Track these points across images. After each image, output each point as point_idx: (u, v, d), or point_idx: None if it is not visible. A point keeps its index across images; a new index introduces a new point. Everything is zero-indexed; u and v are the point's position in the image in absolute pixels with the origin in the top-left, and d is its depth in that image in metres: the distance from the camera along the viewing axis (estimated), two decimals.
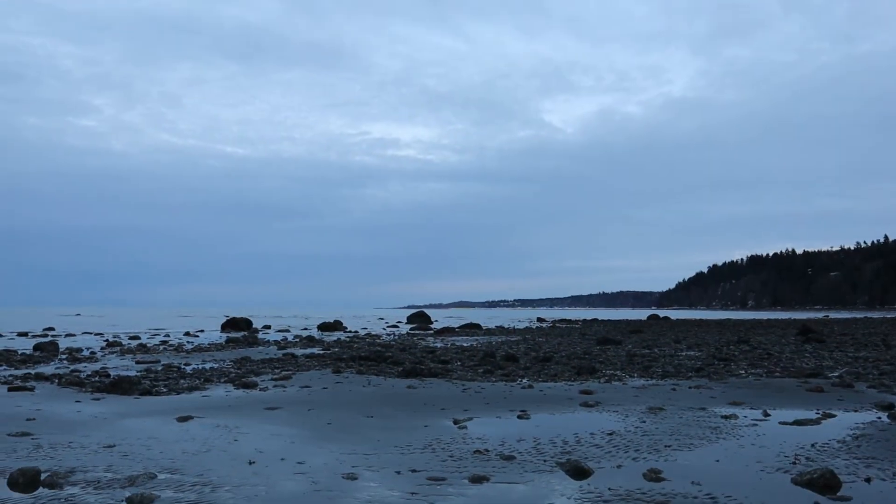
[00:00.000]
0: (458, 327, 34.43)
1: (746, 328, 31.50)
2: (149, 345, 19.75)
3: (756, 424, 6.49)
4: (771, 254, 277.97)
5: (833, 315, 74.71)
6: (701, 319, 53.60)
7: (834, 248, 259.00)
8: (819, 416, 6.90)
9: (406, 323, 44.56)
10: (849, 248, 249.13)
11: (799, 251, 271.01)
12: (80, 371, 11.69)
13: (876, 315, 69.92)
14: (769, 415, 7.00)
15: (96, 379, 10.38)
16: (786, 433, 6.05)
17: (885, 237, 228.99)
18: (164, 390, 9.19)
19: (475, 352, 16.40)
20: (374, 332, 30.02)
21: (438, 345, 20.31)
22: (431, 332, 31.40)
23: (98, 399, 8.34)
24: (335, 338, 24.62)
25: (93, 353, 16.38)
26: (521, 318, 64.40)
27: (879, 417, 6.81)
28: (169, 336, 25.40)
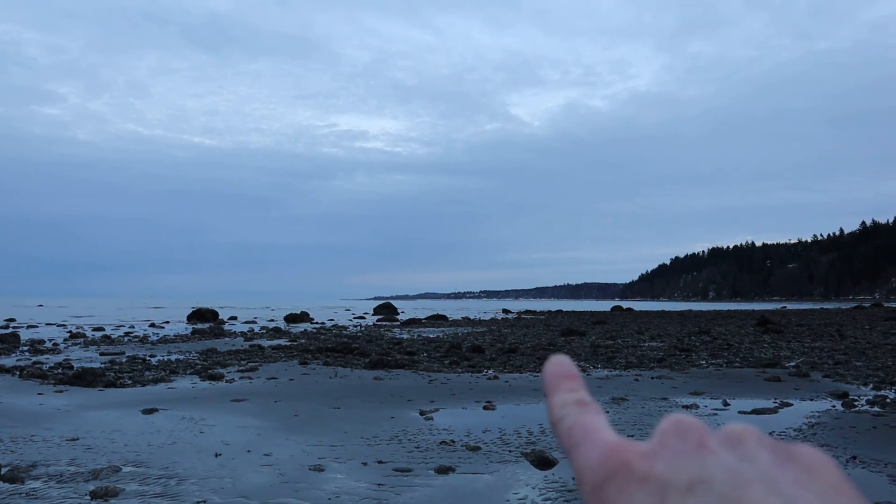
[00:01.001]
0: (424, 318, 34.51)
1: (707, 319, 32.11)
2: (113, 336, 19.45)
3: (716, 414, 6.66)
4: (731, 246, 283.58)
5: (790, 306, 76.41)
6: (663, 311, 54.44)
7: (792, 241, 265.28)
8: (776, 405, 7.11)
9: (373, 314, 44.49)
10: (806, 241, 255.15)
11: (758, 244, 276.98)
12: (42, 363, 11.48)
13: (831, 306, 71.72)
14: (729, 404, 7.18)
15: (59, 371, 10.22)
16: (745, 422, 6.21)
17: (841, 230, 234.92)
18: (129, 382, 9.09)
19: (441, 343, 16.48)
20: (340, 324, 29.93)
21: (405, 336, 20.35)
22: (398, 323, 31.42)
23: (61, 391, 8.22)
24: (302, 329, 24.50)
25: (56, 344, 16.09)
26: (487, 310, 64.72)
27: (834, 406, 7.04)
28: (134, 327, 25.02)
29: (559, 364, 0.44)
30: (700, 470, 0.33)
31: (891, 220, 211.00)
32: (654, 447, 0.35)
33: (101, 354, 13.36)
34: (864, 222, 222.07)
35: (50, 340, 17.31)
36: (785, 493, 0.32)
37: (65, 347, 15.27)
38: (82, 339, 17.99)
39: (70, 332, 21.47)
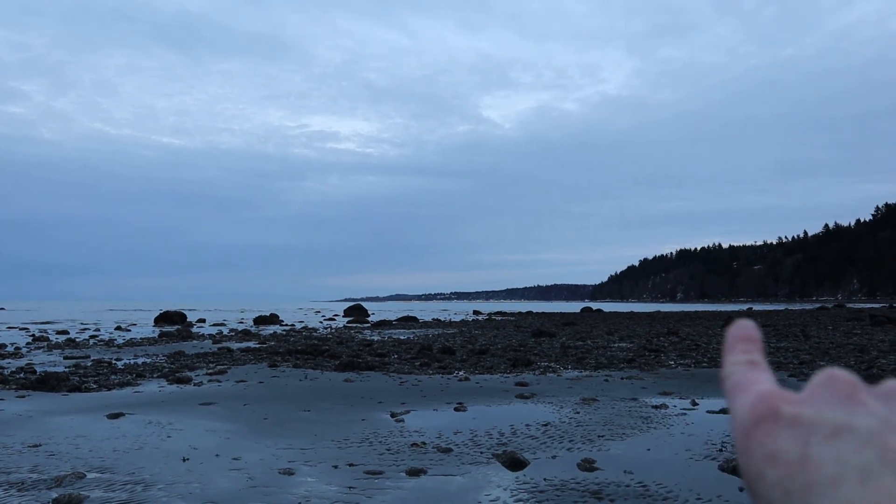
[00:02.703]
0: (395, 320, 34.41)
1: (675, 320, 32.47)
2: (78, 340, 19.07)
3: (685, 413, 6.73)
4: (699, 248, 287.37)
5: (756, 307, 77.58)
6: (632, 312, 54.92)
7: (758, 243, 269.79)
8: None
9: (343, 316, 44.24)
10: (771, 243, 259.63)
11: (725, 245, 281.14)
12: (3, 367, 11.21)
13: (796, 307, 73.02)
14: (697, 404, 7.27)
15: (21, 375, 9.98)
16: (713, 422, 6.29)
17: (805, 232, 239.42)
18: (94, 386, 8.92)
19: (412, 345, 16.44)
20: (310, 326, 29.71)
21: (375, 338, 20.27)
22: (368, 325, 31.27)
23: (23, 396, 8.04)
24: (271, 331, 24.26)
25: (17, 348, 15.72)
26: (458, 311, 64.75)
27: None
28: (99, 330, 24.56)
29: (741, 327, 0.45)
30: (846, 417, 0.34)
31: (853, 223, 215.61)
32: (805, 396, 0.37)
33: (66, 358, 13.09)
34: (827, 225, 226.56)
35: (12, 345, 16.90)
36: None
37: (27, 351, 14.94)
38: (45, 343, 17.61)
39: (33, 335, 21.03)
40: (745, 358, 0.42)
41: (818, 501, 0.33)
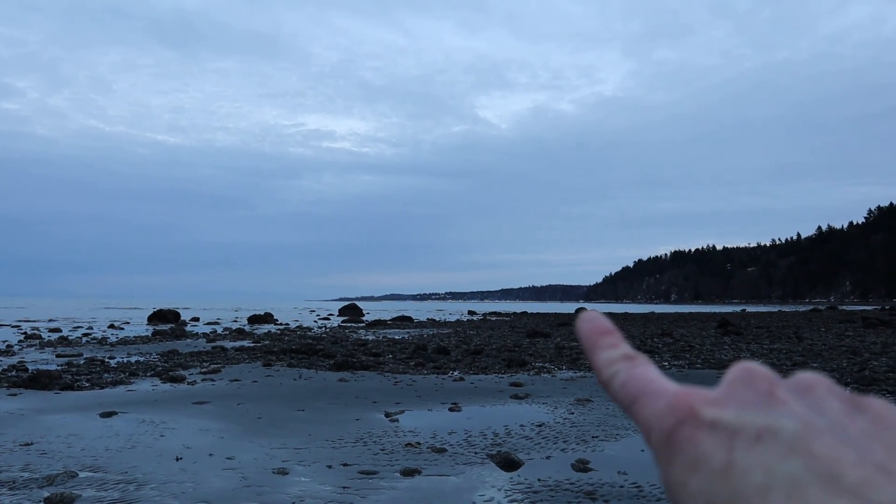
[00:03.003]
0: (389, 320, 34.38)
1: (669, 321, 32.53)
2: (70, 337, 19.00)
3: None
4: (693, 249, 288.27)
5: (750, 309, 77.83)
6: (626, 313, 54.99)
7: (751, 245, 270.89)
8: None
9: (337, 315, 44.19)
10: (765, 245, 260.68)
11: (719, 247, 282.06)
12: None
13: (789, 308, 73.27)
14: None
15: (13, 373, 9.94)
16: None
17: (798, 234, 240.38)
18: (87, 385, 8.88)
19: (407, 344, 16.43)
20: (305, 325, 29.66)
21: (370, 337, 20.25)
22: (363, 324, 31.23)
23: (15, 394, 8.00)
24: (265, 330, 24.22)
25: (9, 346, 15.65)
26: (453, 311, 64.75)
27: None
28: (92, 328, 24.47)
29: (592, 321, 0.41)
30: (769, 419, 0.33)
31: (845, 226, 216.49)
32: (723, 394, 0.34)
33: (58, 356, 13.04)
34: (820, 227, 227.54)
35: (3, 342, 16.83)
36: (854, 444, 0.32)
37: (19, 349, 14.87)
38: (38, 341, 17.55)
39: (25, 333, 20.92)
40: (618, 353, 0.39)
41: None
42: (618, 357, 0.38)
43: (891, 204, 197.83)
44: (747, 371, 0.35)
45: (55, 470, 4.45)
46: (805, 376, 0.35)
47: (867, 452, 0.32)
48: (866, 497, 0.32)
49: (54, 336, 19.64)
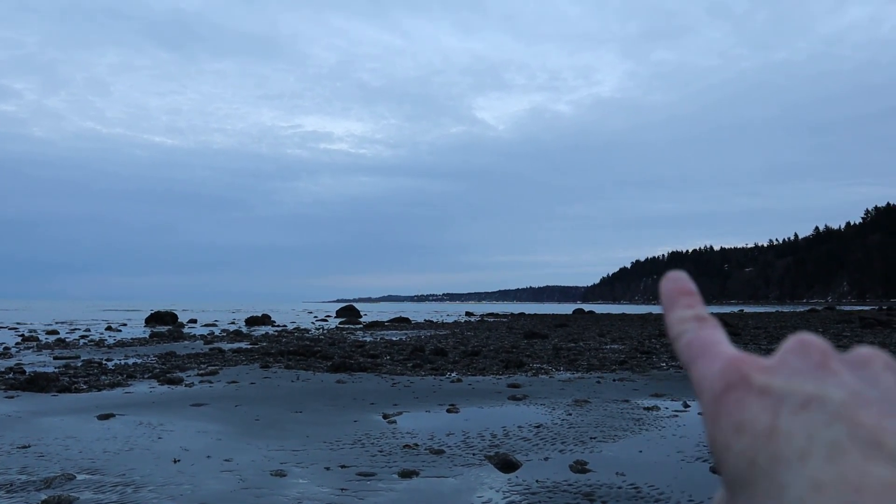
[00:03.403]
0: (387, 321, 34.37)
1: None
2: (68, 340, 18.96)
3: (677, 415, 6.75)
4: (691, 250, 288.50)
5: (747, 309, 77.90)
6: (624, 314, 55.00)
7: (749, 246, 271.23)
8: None
9: (335, 317, 44.17)
10: (762, 246, 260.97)
11: (717, 248, 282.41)
12: None
13: (786, 309, 73.33)
14: (689, 406, 7.29)
15: (10, 376, 9.92)
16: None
17: (796, 235, 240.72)
18: (84, 387, 8.87)
19: (404, 346, 16.42)
20: (302, 327, 29.65)
21: (368, 339, 20.24)
22: (360, 326, 31.22)
23: (12, 397, 7.98)
24: (263, 332, 24.20)
25: (6, 348, 15.62)
26: (450, 312, 64.73)
27: None
28: (89, 331, 24.41)
29: (676, 280, 0.42)
30: (817, 387, 0.33)
31: (842, 226, 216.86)
32: (775, 363, 0.34)
33: (55, 359, 13.02)
34: (817, 228, 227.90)
35: (1, 344, 16.80)
36: None
37: (16, 351, 14.84)
38: (35, 343, 17.51)
39: (22, 335, 20.88)
40: (691, 313, 0.39)
41: (784, 475, 0.32)
42: (690, 317, 0.39)
43: (888, 204, 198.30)
44: (802, 342, 0.35)
45: (53, 472, 4.45)
46: (863, 350, 0.36)
47: None
48: None
49: (51, 338, 19.60)
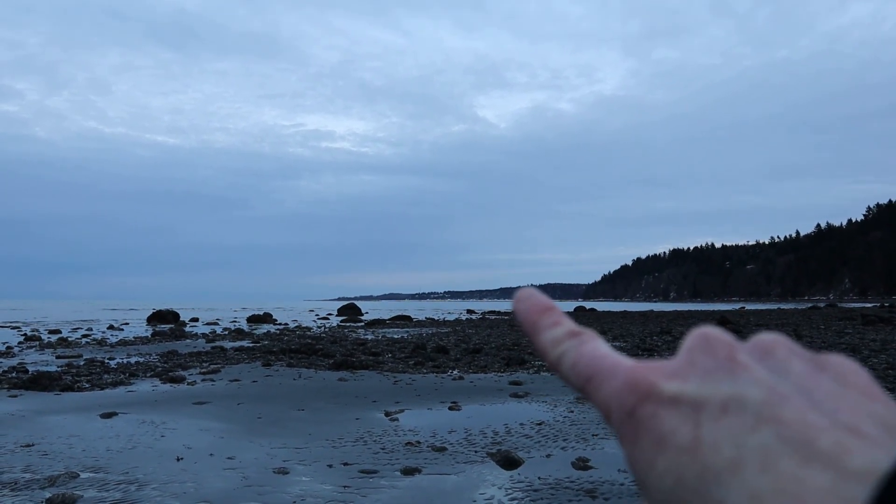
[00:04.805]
0: (388, 319, 34.37)
1: (669, 320, 32.54)
2: (70, 339, 18.98)
3: None
4: (692, 248, 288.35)
5: (749, 306, 77.81)
6: (625, 311, 55.00)
7: (750, 243, 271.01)
8: None
9: (337, 315, 44.17)
10: (764, 243, 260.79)
11: (718, 245, 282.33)
12: None
13: (788, 306, 73.28)
14: None
15: (13, 375, 9.94)
16: None
17: (797, 232, 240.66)
18: (87, 386, 8.89)
19: (406, 344, 16.44)
20: (304, 325, 29.66)
21: (369, 337, 20.26)
22: (362, 324, 31.23)
23: (15, 396, 8.00)
24: (265, 330, 24.22)
25: (9, 347, 15.64)
26: (452, 310, 64.75)
27: None
28: (91, 330, 24.44)
29: (529, 298, 0.38)
30: (732, 387, 0.30)
31: (844, 223, 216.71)
32: (682, 365, 0.32)
33: (58, 357, 13.04)
34: (819, 225, 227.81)
35: (3, 343, 16.83)
36: (822, 406, 0.30)
37: (19, 351, 14.87)
38: (38, 342, 17.54)
39: (25, 334, 20.92)
40: (562, 331, 0.36)
41: (717, 490, 0.29)
42: (563, 335, 0.36)
43: (889, 201, 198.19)
44: (704, 337, 0.33)
45: (56, 471, 4.46)
46: (764, 337, 0.34)
47: (836, 414, 0.30)
48: (841, 463, 0.30)
49: (54, 337, 19.64)
